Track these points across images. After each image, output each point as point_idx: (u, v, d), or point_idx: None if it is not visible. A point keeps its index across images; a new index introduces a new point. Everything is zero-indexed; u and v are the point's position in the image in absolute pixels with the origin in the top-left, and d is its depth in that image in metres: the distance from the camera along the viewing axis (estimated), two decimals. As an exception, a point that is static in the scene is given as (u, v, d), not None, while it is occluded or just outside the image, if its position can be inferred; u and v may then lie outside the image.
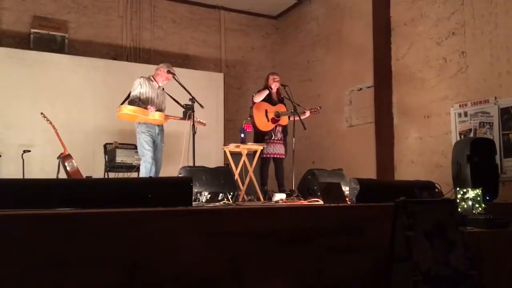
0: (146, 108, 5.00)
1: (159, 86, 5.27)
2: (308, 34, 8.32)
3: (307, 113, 5.71)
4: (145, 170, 4.99)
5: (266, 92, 5.55)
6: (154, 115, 5.03)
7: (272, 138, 5.51)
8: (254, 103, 5.57)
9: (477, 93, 5.33)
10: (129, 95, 5.17)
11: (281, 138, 5.61)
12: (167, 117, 5.16)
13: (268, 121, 5.50)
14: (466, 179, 3.99)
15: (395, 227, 2.57)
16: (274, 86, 5.63)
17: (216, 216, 2.61)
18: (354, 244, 2.80)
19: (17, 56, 6.64)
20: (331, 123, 7.55)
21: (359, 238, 2.84)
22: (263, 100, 5.54)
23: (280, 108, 5.61)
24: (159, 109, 5.18)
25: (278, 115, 5.53)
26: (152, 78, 5.27)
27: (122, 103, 5.16)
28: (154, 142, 5.11)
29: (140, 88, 5.13)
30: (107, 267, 2.13)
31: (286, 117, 5.59)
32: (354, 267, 2.74)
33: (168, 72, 5.25)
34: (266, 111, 5.51)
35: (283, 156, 5.64)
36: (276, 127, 5.55)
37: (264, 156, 5.46)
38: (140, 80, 5.18)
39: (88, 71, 6.97)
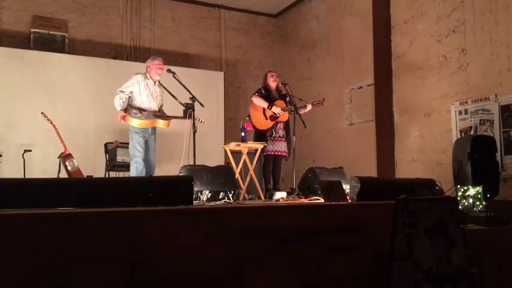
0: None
1: (155, 82, 5.22)
2: (308, 33, 8.31)
3: (309, 107, 5.57)
4: (136, 171, 4.98)
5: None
6: (158, 122, 5.10)
7: (273, 135, 5.44)
8: (252, 102, 5.53)
9: (477, 91, 5.32)
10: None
11: (283, 135, 5.50)
12: (168, 118, 5.16)
13: (267, 119, 5.42)
14: (467, 176, 4.00)
15: (396, 225, 2.57)
16: (273, 83, 5.58)
17: (216, 215, 2.62)
18: (354, 242, 2.81)
19: (17, 55, 6.63)
20: (332, 121, 7.55)
21: (360, 237, 2.84)
22: (262, 99, 5.44)
23: (279, 104, 5.45)
24: (154, 108, 5.16)
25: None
26: (148, 76, 5.21)
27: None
28: (146, 142, 5.11)
29: (132, 87, 5.10)
30: (108, 266, 2.13)
31: (286, 112, 5.48)
32: (355, 265, 2.75)
33: (153, 59, 5.25)
34: (264, 110, 5.44)
35: (285, 154, 5.50)
36: (277, 124, 5.46)
37: (266, 153, 5.41)
38: (138, 78, 5.13)
39: (88, 70, 6.96)
